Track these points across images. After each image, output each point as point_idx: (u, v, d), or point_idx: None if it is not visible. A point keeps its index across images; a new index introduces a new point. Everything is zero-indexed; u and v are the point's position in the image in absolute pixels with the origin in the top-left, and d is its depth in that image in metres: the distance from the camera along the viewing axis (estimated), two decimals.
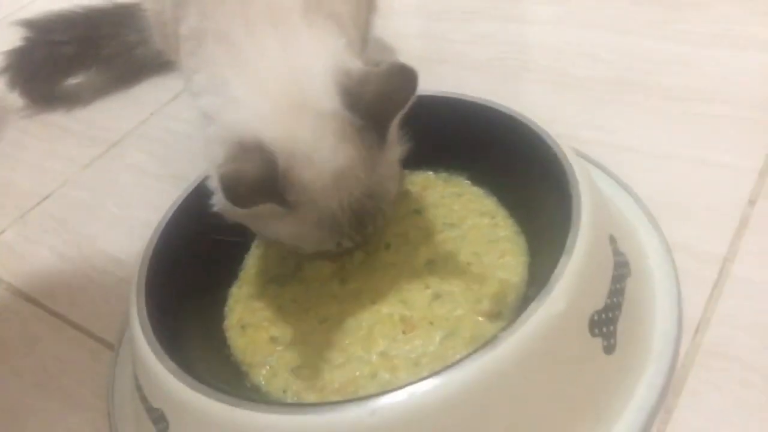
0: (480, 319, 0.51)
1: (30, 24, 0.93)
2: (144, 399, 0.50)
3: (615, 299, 0.47)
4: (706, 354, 0.48)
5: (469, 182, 0.63)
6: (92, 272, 0.72)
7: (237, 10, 0.52)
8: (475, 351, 0.42)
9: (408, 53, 0.88)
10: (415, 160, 0.58)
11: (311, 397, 0.50)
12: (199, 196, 0.61)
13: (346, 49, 0.51)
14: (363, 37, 0.64)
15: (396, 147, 0.51)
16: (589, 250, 0.46)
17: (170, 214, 0.61)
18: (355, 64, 0.49)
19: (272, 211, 0.48)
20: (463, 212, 0.61)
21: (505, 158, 0.60)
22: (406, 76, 0.46)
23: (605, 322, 0.45)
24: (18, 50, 0.92)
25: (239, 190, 0.45)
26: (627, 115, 0.71)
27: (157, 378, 0.47)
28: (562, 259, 0.45)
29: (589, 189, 0.51)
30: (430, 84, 0.82)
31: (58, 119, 0.96)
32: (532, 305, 0.42)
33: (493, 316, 0.52)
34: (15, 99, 0.96)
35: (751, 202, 0.58)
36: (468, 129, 0.61)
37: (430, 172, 0.65)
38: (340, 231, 0.49)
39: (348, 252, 0.54)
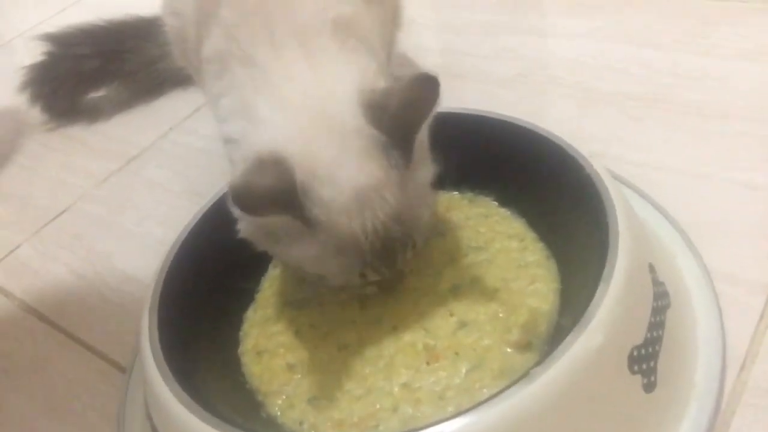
0: (509, 350, 0.48)
1: (52, 38, 0.92)
2: (154, 429, 0.48)
3: (655, 333, 0.44)
4: (753, 391, 0.45)
5: (496, 203, 0.61)
6: (106, 290, 0.70)
7: (263, 32, 0.50)
8: (507, 387, 0.39)
9: (431, 68, 0.86)
10: (438, 180, 0.55)
11: (329, 431, 0.47)
12: (214, 215, 0.59)
13: (374, 70, 0.49)
14: (389, 56, 0.63)
15: (425, 168, 0.48)
16: (628, 279, 0.43)
17: (185, 235, 0.59)
18: (381, 83, 0.47)
19: (291, 230, 0.46)
20: (489, 234, 0.58)
21: (534, 178, 0.57)
22: (428, 84, 0.44)
23: (645, 358, 0.42)
24: (40, 65, 0.92)
25: (250, 197, 0.43)
26: (659, 133, 0.68)
27: (169, 412, 0.44)
28: (600, 288, 0.42)
29: (626, 213, 0.48)
30: (451, 101, 0.80)
31: (78, 133, 0.95)
32: (569, 338, 0.39)
33: (523, 346, 0.49)
34: (36, 113, 0.96)
35: None
36: (495, 147, 0.59)
37: (455, 193, 0.62)
38: (363, 259, 0.46)
39: (375, 288, 0.51)
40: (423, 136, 0.48)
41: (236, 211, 0.47)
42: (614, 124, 0.70)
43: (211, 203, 0.60)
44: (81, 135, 0.95)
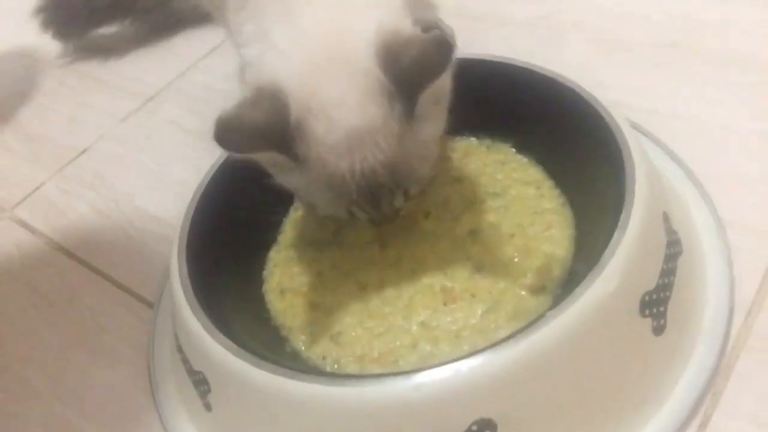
0: (523, 293, 0.50)
1: None
2: (185, 361, 0.51)
3: (666, 279, 0.45)
4: (758, 337, 0.47)
5: (513, 150, 0.61)
6: (131, 229, 0.72)
7: None
8: (523, 329, 0.41)
9: (449, 10, 0.85)
10: (456, 126, 0.55)
11: (351, 365, 0.50)
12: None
13: (397, 9, 0.48)
14: None
15: (432, 125, 0.48)
16: (643, 227, 0.44)
17: (210, 175, 0.60)
18: (406, 25, 0.47)
19: (279, 161, 0.46)
20: (506, 181, 0.59)
21: (552, 126, 0.58)
22: (443, 48, 0.43)
23: (656, 303, 0.44)
24: None
25: (235, 134, 0.44)
26: (677, 81, 0.68)
27: (198, 342, 0.47)
28: (616, 235, 0.43)
29: (644, 163, 0.49)
30: (469, 43, 0.79)
31: (93, 70, 0.96)
32: (584, 283, 0.41)
33: (537, 290, 0.51)
34: (51, 49, 0.96)
35: None
36: (513, 94, 0.59)
37: (473, 139, 0.63)
38: (350, 198, 0.47)
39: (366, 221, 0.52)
40: (443, 91, 0.48)
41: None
42: (633, 72, 0.70)
43: None
44: (97, 73, 0.95)
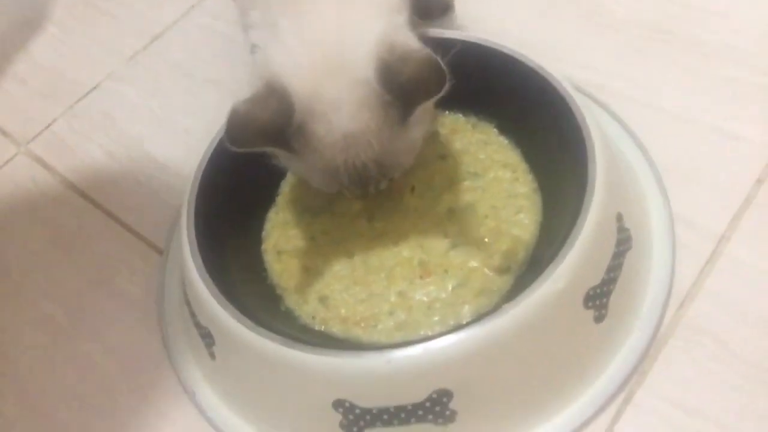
0: (490, 273, 0.57)
1: None
2: (193, 314, 0.58)
3: (612, 274, 0.52)
4: (686, 326, 0.54)
5: (496, 131, 0.66)
6: (140, 176, 0.78)
7: None
8: (483, 318, 0.48)
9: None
10: (446, 102, 0.60)
11: (336, 326, 0.57)
12: None
13: (398, 22, 0.53)
14: None
15: (420, 126, 0.54)
16: (595, 234, 0.50)
17: (219, 136, 0.64)
18: (401, 39, 0.51)
19: (280, 152, 0.52)
20: (487, 162, 0.64)
21: (530, 113, 0.63)
22: (437, 74, 0.48)
23: (599, 296, 0.51)
24: None
25: (243, 133, 0.50)
26: (659, 69, 0.72)
27: (205, 306, 0.54)
28: (568, 242, 0.50)
29: (607, 164, 0.55)
30: (470, 8, 0.82)
31: (102, 3, 0.98)
32: (534, 284, 0.48)
33: (502, 270, 0.57)
34: None
35: (759, 182, 0.61)
36: (498, 79, 0.63)
37: (460, 115, 0.68)
38: (341, 183, 0.54)
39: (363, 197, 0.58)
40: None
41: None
42: (619, 56, 0.74)
43: None
44: (106, 6, 0.98)
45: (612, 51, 0.75)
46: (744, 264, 0.57)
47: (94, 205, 0.77)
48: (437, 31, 0.65)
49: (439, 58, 0.48)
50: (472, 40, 0.65)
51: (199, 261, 0.56)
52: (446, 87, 0.49)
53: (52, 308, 0.69)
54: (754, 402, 0.51)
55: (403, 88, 0.49)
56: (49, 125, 0.86)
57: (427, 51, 0.49)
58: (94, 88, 0.89)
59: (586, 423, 0.51)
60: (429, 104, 0.52)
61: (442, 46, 0.61)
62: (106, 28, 0.95)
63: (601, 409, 0.52)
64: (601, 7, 0.79)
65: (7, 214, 0.78)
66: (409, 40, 0.52)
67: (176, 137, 0.81)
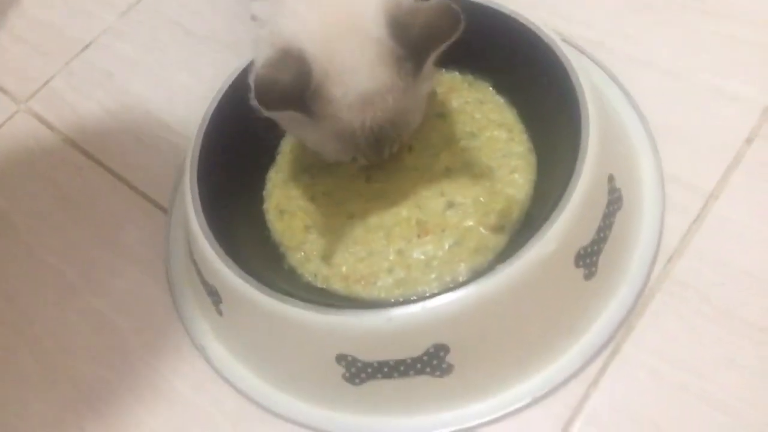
0: (485, 231, 0.59)
1: None
2: (199, 272, 0.60)
3: (602, 234, 0.54)
4: (672, 282, 0.57)
5: (493, 90, 0.67)
6: (141, 134, 0.79)
7: None
8: (478, 278, 0.51)
9: None
10: (443, 60, 0.61)
11: (338, 284, 0.60)
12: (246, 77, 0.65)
13: None
14: None
15: (428, 81, 0.55)
16: (586, 196, 0.52)
17: (222, 93, 0.65)
18: None
19: (298, 117, 0.53)
20: (483, 122, 0.66)
21: (526, 73, 0.63)
22: (451, 16, 0.50)
23: (589, 255, 0.54)
24: None
25: (270, 95, 0.51)
26: (657, 27, 0.72)
27: (211, 263, 0.56)
28: (560, 204, 0.51)
29: (600, 126, 0.56)
30: None
31: None
32: (527, 245, 0.50)
33: (497, 229, 0.59)
34: None
35: (749, 141, 0.63)
36: (495, 38, 0.64)
37: (457, 73, 0.69)
38: (357, 148, 0.55)
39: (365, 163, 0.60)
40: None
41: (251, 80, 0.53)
42: (618, 13, 0.73)
43: (244, 67, 0.65)
44: None
45: (611, 8, 0.74)
46: (731, 221, 0.59)
47: (97, 163, 0.78)
48: None
49: (450, 4, 0.50)
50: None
51: (204, 222, 0.58)
52: (461, 27, 0.50)
53: (62, 266, 0.71)
54: (735, 354, 0.53)
55: (416, 39, 0.51)
56: (47, 82, 0.87)
57: (434, 1, 0.50)
58: (90, 44, 0.89)
59: (575, 374, 0.54)
60: (436, 57, 0.53)
61: None
62: None
63: (590, 361, 0.55)
64: None
65: (11, 173, 0.80)
66: None
67: (175, 95, 0.81)
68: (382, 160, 0.58)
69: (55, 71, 0.87)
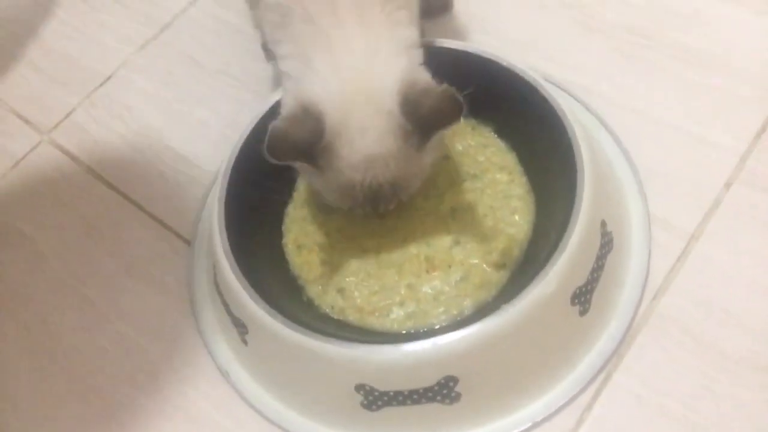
0: (488, 269, 0.65)
1: None
2: (225, 304, 0.66)
3: (596, 274, 0.60)
4: (657, 317, 0.63)
5: (495, 134, 0.73)
6: (163, 167, 0.83)
7: (327, 2, 0.59)
8: (484, 313, 0.56)
9: None
10: None
11: (353, 315, 0.65)
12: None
13: (416, 58, 0.59)
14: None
15: (433, 153, 0.60)
16: (582, 241, 0.58)
17: (246, 133, 0.70)
18: (421, 75, 0.58)
19: (306, 166, 0.59)
20: (486, 164, 0.71)
21: (525, 121, 0.69)
22: (455, 105, 0.55)
23: (584, 293, 0.59)
24: None
25: (280, 147, 0.56)
26: (643, 74, 0.78)
27: (240, 300, 0.61)
28: (558, 249, 0.57)
29: (594, 175, 0.62)
30: (470, 8, 0.83)
31: None
32: (529, 286, 0.56)
33: (499, 266, 0.65)
34: None
35: (727, 185, 0.69)
36: (497, 87, 0.69)
37: (461, 118, 0.74)
38: (355, 201, 0.60)
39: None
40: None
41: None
42: (607, 59, 0.80)
43: (268, 108, 0.70)
44: None
45: (600, 54, 0.81)
46: (710, 261, 0.65)
47: (120, 194, 0.83)
48: (444, 41, 0.71)
49: (455, 91, 0.55)
50: (474, 51, 0.71)
51: (233, 261, 0.63)
52: (462, 115, 0.55)
53: (90, 293, 0.76)
54: (712, 384, 0.60)
55: (423, 119, 0.56)
56: (69, 114, 0.91)
57: (445, 86, 0.56)
58: (110, 77, 0.93)
59: (571, 400, 0.60)
60: (443, 133, 0.59)
61: (449, 56, 0.68)
62: (115, 15, 0.99)
63: (584, 389, 0.61)
64: (592, 10, 0.84)
65: (37, 202, 0.84)
66: (426, 76, 0.59)
67: (193, 129, 0.86)
68: (378, 214, 0.63)
69: (76, 103, 0.91)
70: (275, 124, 0.57)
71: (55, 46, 0.98)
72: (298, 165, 0.61)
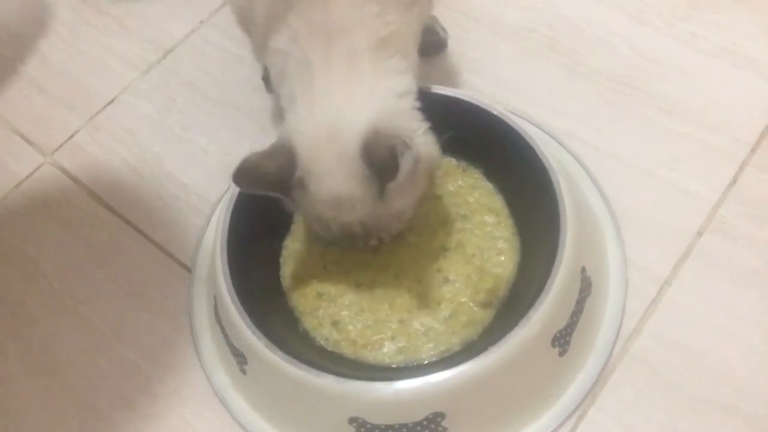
0: (475, 307, 0.69)
1: None
2: (226, 336, 0.69)
3: (575, 317, 0.65)
4: (630, 358, 0.68)
5: (483, 176, 0.77)
6: (164, 194, 0.86)
7: (322, 46, 0.63)
8: (472, 355, 0.60)
9: (441, 3, 0.90)
10: (443, 147, 0.70)
11: (347, 348, 0.69)
12: None
13: (398, 99, 0.63)
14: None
15: (404, 199, 0.63)
16: (563, 288, 0.62)
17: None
18: (387, 124, 0.60)
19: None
20: (475, 206, 0.76)
21: (512, 166, 0.73)
22: (393, 165, 0.58)
23: (564, 336, 0.64)
24: None
25: (245, 178, 0.61)
26: (623, 121, 0.83)
27: (241, 333, 0.65)
28: (541, 296, 0.62)
29: (575, 222, 0.66)
30: (455, 41, 0.89)
31: (109, 8, 1.03)
32: (515, 329, 0.60)
33: (486, 305, 0.70)
34: None
35: (699, 234, 0.74)
36: (486, 133, 0.74)
37: (453, 159, 0.78)
38: (330, 234, 0.65)
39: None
40: (418, 175, 0.63)
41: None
42: (590, 105, 0.84)
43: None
44: (111, 10, 1.03)
45: (584, 100, 0.85)
46: (681, 306, 0.70)
47: (122, 219, 0.85)
48: (439, 88, 0.75)
49: (417, 141, 0.60)
50: (465, 98, 0.75)
51: (234, 296, 0.66)
52: (399, 176, 0.58)
53: (91, 315, 0.79)
54: (678, 421, 0.65)
55: (376, 168, 0.60)
56: (72, 136, 0.94)
57: (395, 142, 0.58)
58: (112, 101, 0.96)
59: None
60: (412, 181, 0.62)
61: (439, 102, 0.72)
62: (117, 38, 1.02)
63: (561, 425, 0.65)
64: (578, 55, 0.89)
65: (40, 224, 0.87)
66: (400, 123, 0.61)
67: (194, 157, 0.89)
68: (358, 249, 0.67)
69: (79, 125, 0.94)
70: (248, 157, 0.62)
71: (58, 66, 1.00)
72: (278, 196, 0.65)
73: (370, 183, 0.61)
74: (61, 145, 0.93)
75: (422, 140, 0.63)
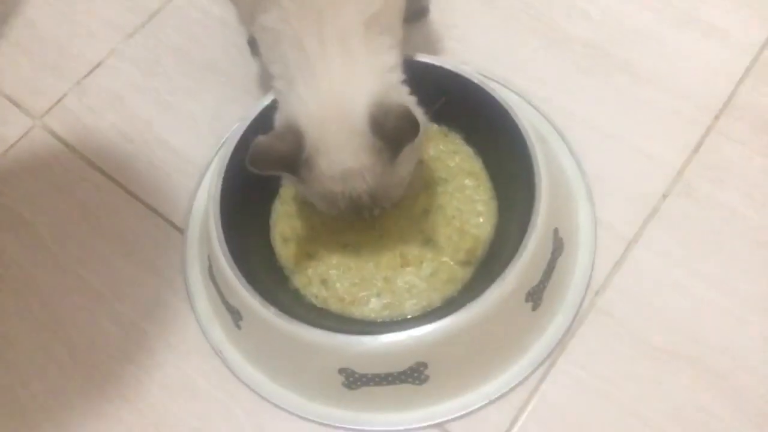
0: (455, 266, 0.74)
1: None
2: (221, 294, 0.73)
3: (547, 275, 0.70)
4: (597, 311, 0.73)
5: (464, 141, 0.81)
6: (154, 159, 0.89)
7: (314, 26, 0.65)
8: (453, 310, 0.65)
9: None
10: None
11: (334, 305, 0.74)
12: (263, 118, 0.73)
13: (389, 80, 0.66)
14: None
15: (406, 165, 0.68)
16: (537, 248, 0.67)
17: (240, 132, 0.75)
18: (389, 97, 0.64)
19: (291, 177, 0.67)
20: (456, 170, 0.80)
21: (491, 131, 0.77)
22: (411, 123, 0.63)
23: (536, 291, 0.69)
24: None
25: (262, 159, 0.64)
26: (596, 87, 0.86)
27: (236, 291, 0.69)
28: (516, 255, 0.66)
29: (550, 185, 0.71)
30: (439, 10, 0.91)
31: None
32: (492, 287, 0.65)
33: (465, 264, 0.74)
34: None
35: (664, 196, 0.79)
36: (467, 100, 0.77)
37: (435, 125, 0.82)
38: (336, 209, 0.68)
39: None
40: (417, 142, 0.66)
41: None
42: (565, 72, 0.88)
43: (260, 110, 0.76)
44: None
45: (560, 67, 0.89)
46: (643, 264, 0.75)
47: (113, 182, 0.88)
48: (424, 57, 0.78)
49: (413, 111, 0.63)
50: (448, 66, 0.78)
51: (229, 256, 0.70)
52: (420, 134, 0.63)
53: (88, 275, 0.82)
54: (640, 369, 0.71)
55: (389, 136, 0.63)
56: (60, 100, 0.95)
57: (404, 107, 0.63)
58: (99, 65, 0.97)
59: (522, 382, 0.70)
60: (412, 147, 0.66)
61: (426, 70, 0.75)
62: (102, 1, 1.02)
63: (533, 372, 0.71)
64: (555, 23, 0.92)
65: (33, 188, 0.89)
66: (396, 97, 0.65)
67: (183, 122, 0.91)
68: (363, 220, 0.71)
69: (67, 89, 0.95)
70: (259, 139, 0.64)
71: (44, 30, 1.00)
72: (284, 176, 0.68)
73: (379, 153, 0.64)
74: (50, 109, 0.94)
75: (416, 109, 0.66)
